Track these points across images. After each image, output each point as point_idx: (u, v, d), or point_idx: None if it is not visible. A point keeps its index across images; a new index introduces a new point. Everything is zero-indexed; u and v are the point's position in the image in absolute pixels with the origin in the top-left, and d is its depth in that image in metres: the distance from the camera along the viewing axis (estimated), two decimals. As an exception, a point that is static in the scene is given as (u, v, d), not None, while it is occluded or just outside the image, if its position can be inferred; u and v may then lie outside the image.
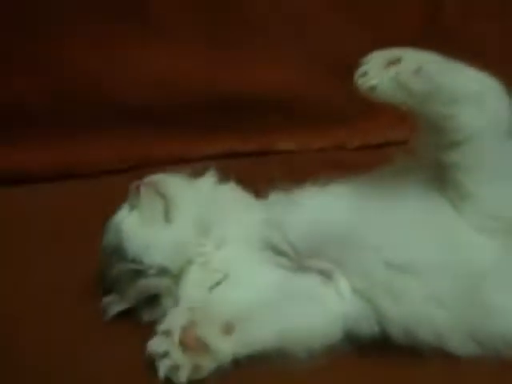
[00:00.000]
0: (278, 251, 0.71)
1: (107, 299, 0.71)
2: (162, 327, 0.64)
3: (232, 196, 0.79)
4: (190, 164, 0.98)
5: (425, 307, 0.65)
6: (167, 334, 0.63)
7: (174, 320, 0.64)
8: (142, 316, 0.71)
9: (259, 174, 1.01)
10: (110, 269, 0.71)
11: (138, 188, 0.73)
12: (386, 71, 0.65)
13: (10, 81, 1.02)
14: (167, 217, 0.72)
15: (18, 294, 0.79)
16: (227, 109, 1.06)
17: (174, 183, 0.74)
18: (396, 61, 0.66)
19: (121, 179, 0.94)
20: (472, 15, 1.06)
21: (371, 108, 0.95)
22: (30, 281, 0.82)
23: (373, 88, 0.66)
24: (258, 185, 0.98)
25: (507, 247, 0.67)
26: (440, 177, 0.69)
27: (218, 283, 0.70)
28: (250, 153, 1.09)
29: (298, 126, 1.08)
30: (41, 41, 1.01)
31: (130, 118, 1.04)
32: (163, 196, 0.72)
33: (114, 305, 0.71)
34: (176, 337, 0.63)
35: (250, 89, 1.06)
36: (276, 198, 0.76)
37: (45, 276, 0.82)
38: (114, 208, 0.75)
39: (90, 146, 1.05)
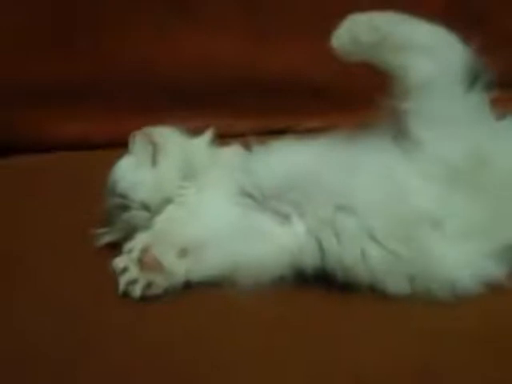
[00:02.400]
0: (246, 193, 0.77)
1: (101, 230, 0.82)
2: (126, 246, 0.74)
3: (223, 150, 0.87)
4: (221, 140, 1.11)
5: (363, 246, 0.69)
6: (129, 252, 0.73)
7: (138, 241, 0.73)
8: (128, 247, 0.80)
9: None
10: (105, 203, 0.82)
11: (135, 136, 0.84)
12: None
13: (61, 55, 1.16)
14: (155, 161, 0.81)
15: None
16: (257, 88, 1.14)
17: (166, 134, 0.83)
18: None
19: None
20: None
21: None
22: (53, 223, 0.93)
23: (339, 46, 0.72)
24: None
25: (450, 195, 0.69)
26: (397, 128, 0.73)
27: (189, 220, 0.78)
28: (279, 130, 1.16)
29: (328, 106, 1.13)
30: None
31: (167, 95, 1.15)
32: (153, 143, 0.82)
33: (106, 235, 0.81)
34: (135, 255, 0.72)
35: (281, 69, 1.13)
36: (257, 148, 0.83)
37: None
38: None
39: (132, 119, 1.16)
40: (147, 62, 1.16)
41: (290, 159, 0.77)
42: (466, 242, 0.68)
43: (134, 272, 0.71)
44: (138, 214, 0.79)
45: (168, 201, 0.80)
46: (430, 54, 0.70)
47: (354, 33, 0.71)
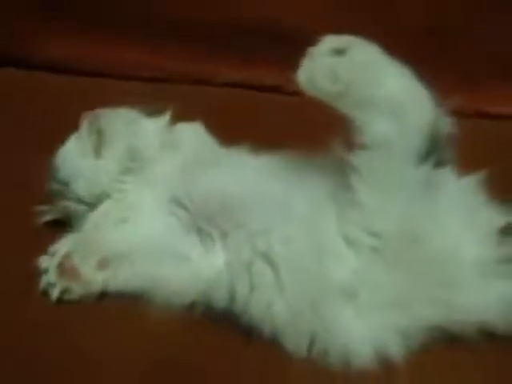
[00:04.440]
0: (179, 203, 0.75)
1: (41, 207, 0.82)
2: (51, 248, 0.75)
3: (178, 139, 0.84)
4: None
5: (270, 299, 0.68)
6: (52, 254, 0.74)
7: (62, 245, 0.75)
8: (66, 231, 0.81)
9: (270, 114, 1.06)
10: (48, 183, 0.82)
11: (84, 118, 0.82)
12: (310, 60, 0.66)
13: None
14: (98, 151, 0.80)
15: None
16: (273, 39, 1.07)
17: (115, 120, 0.81)
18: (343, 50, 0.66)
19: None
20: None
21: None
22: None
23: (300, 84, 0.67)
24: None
25: (371, 267, 0.67)
26: (344, 174, 0.69)
27: (122, 220, 0.77)
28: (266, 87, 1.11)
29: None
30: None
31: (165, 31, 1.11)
32: (99, 131, 0.80)
33: (46, 213, 0.82)
34: (56, 260, 0.73)
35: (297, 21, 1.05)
36: (210, 151, 0.81)
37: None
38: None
39: (125, 51, 1.13)
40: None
41: (229, 180, 0.75)
42: (375, 316, 0.66)
43: (52, 276, 0.73)
44: (73, 206, 0.79)
45: (106, 195, 0.79)
46: (392, 114, 0.64)
47: (313, 77, 0.65)
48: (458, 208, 0.69)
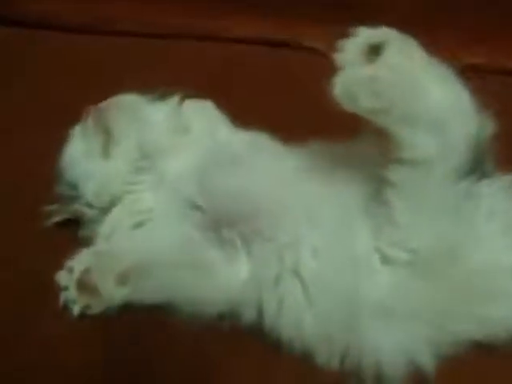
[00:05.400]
0: (196, 206, 0.71)
1: (51, 207, 0.78)
2: (68, 264, 0.72)
3: (188, 123, 0.79)
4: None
5: (299, 314, 0.66)
6: (70, 271, 0.71)
7: (79, 261, 0.71)
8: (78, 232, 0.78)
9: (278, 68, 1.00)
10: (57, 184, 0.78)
11: (88, 114, 0.76)
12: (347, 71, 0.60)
13: None
14: (106, 152, 0.75)
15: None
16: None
17: (122, 114, 0.75)
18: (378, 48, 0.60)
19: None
20: None
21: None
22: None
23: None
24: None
25: (405, 283, 0.64)
26: (379, 192, 0.65)
27: (136, 225, 0.74)
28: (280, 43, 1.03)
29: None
30: None
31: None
32: (106, 130, 0.74)
33: (56, 213, 0.78)
34: (75, 277, 0.70)
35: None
36: (224, 144, 0.76)
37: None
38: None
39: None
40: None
41: (255, 183, 0.70)
42: (408, 329, 0.64)
43: (72, 293, 0.71)
44: (84, 210, 0.75)
45: (118, 198, 0.75)
46: (435, 128, 0.60)
47: (352, 93, 0.60)
48: (496, 213, 0.65)
